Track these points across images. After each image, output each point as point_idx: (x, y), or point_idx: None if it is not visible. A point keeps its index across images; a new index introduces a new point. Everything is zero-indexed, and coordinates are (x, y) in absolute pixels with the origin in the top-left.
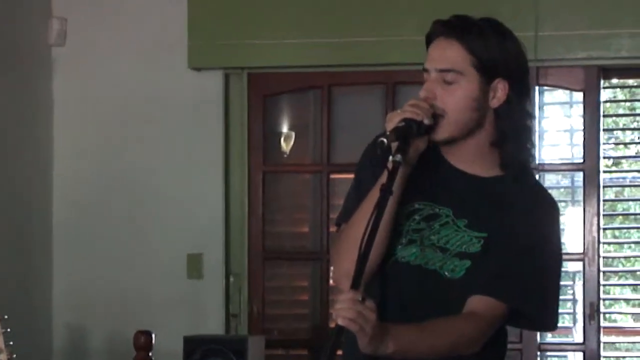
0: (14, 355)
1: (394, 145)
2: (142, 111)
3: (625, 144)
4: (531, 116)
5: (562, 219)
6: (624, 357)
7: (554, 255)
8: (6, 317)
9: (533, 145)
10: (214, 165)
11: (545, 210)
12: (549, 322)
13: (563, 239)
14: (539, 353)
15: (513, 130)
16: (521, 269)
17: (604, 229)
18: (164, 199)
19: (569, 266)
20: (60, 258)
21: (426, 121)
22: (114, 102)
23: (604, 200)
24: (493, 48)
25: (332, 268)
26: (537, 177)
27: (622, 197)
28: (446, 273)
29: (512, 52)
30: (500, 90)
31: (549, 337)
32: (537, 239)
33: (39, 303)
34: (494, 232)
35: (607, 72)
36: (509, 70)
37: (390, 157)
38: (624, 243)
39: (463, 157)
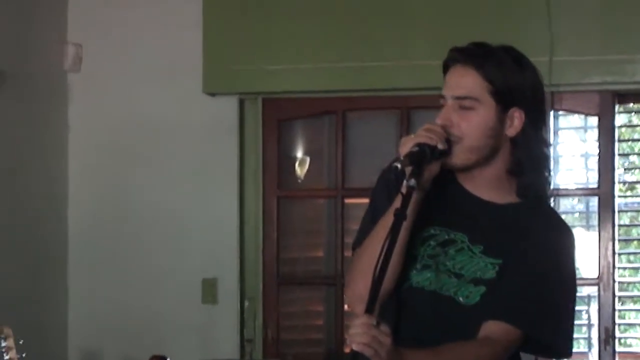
0: None
1: (408, 169)
2: (157, 136)
3: None
4: (548, 144)
5: (576, 244)
6: None
7: (568, 281)
8: (21, 342)
9: (550, 174)
10: (229, 190)
11: (560, 237)
12: (564, 349)
13: (578, 264)
14: None
15: (529, 159)
16: (536, 295)
17: (619, 254)
18: (178, 223)
19: (584, 291)
20: (76, 283)
21: (440, 146)
22: (129, 127)
23: (619, 225)
24: (510, 76)
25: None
26: (552, 202)
27: (637, 222)
28: (461, 299)
29: (529, 81)
30: (516, 119)
31: None
32: (552, 266)
33: (54, 327)
34: (509, 259)
35: (622, 96)
36: (525, 99)
37: (404, 182)
38: (638, 268)
39: (479, 184)
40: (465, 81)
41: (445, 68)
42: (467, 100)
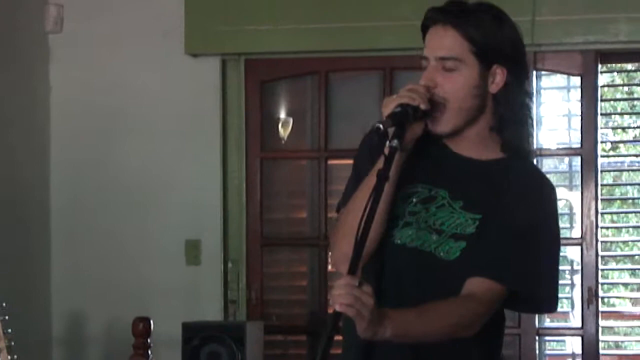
0: (13, 343)
1: (391, 130)
2: (139, 97)
3: (623, 129)
4: (530, 99)
5: (559, 203)
6: (622, 341)
7: (551, 237)
8: (4, 304)
9: (533, 128)
10: (212, 152)
11: (542, 193)
12: (549, 303)
13: (561, 224)
14: (537, 338)
15: (512, 114)
16: (518, 250)
17: (602, 214)
18: (161, 185)
19: (567, 251)
20: (58, 245)
21: (422, 106)
22: (111, 88)
23: (601, 185)
24: (490, 34)
25: (330, 253)
26: (535, 161)
27: (620, 182)
28: (441, 254)
29: (509, 37)
30: (498, 76)
31: (547, 322)
32: (534, 221)
33: (38, 290)
34: (489, 214)
35: (605, 56)
36: (506, 55)
37: (387, 143)
38: (622, 227)
39: (463, 142)
40: (447, 42)
41: (424, 28)
42: (450, 60)
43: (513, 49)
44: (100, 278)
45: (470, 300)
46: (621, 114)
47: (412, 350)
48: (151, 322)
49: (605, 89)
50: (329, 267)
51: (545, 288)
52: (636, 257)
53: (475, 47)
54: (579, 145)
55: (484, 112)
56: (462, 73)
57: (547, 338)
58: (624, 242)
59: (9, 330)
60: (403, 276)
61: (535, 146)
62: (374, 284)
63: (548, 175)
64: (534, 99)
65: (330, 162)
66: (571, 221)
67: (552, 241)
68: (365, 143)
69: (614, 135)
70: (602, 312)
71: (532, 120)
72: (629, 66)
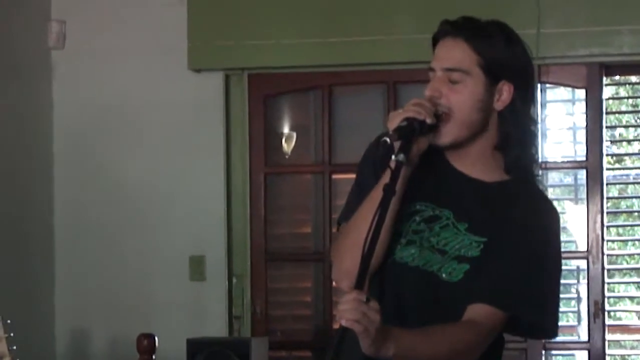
0: None
1: (397, 144)
2: (142, 113)
3: (628, 141)
4: (535, 122)
5: (565, 217)
6: (629, 355)
7: (554, 262)
8: (9, 321)
9: (537, 151)
10: (215, 167)
11: (545, 217)
12: (550, 329)
13: (567, 237)
14: (543, 352)
15: (517, 133)
16: (521, 277)
17: (608, 227)
18: (165, 201)
19: (573, 264)
20: (62, 261)
21: (429, 120)
22: (114, 104)
23: (607, 198)
24: (499, 50)
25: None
26: (540, 174)
27: (625, 195)
28: (444, 275)
29: (518, 55)
30: (505, 92)
31: None
32: (538, 247)
33: (41, 307)
34: (493, 238)
35: (609, 69)
36: (514, 73)
37: (393, 157)
38: (627, 240)
39: (466, 160)
40: (455, 53)
41: (435, 41)
42: (457, 72)
43: (522, 68)
44: (104, 295)
45: (472, 326)
46: (626, 126)
47: None
48: (156, 338)
49: (610, 101)
50: (334, 282)
51: (546, 316)
52: None
53: (483, 61)
54: (584, 159)
55: (487, 128)
56: (468, 85)
57: (553, 352)
58: (630, 255)
59: (14, 348)
60: (404, 295)
61: (539, 167)
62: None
63: (553, 189)
64: (539, 112)
65: (334, 176)
66: (576, 234)
67: (555, 268)
68: (368, 156)
69: (618, 148)
70: (609, 325)
71: (536, 137)
72: (633, 78)
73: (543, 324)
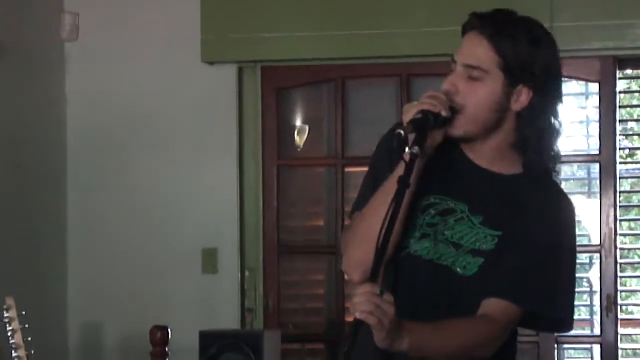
0: (33, 352)
1: (411, 137)
2: (155, 105)
3: None
4: (558, 119)
5: (578, 211)
6: None
7: (569, 257)
8: (24, 313)
9: (557, 151)
10: (228, 160)
11: (561, 211)
12: (565, 324)
13: (580, 231)
14: (556, 346)
15: (535, 135)
16: (537, 272)
17: (621, 221)
18: (178, 194)
19: (586, 258)
20: (75, 254)
21: (444, 113)
22: (127, 96)
23: (620, 192)
24: (523, 54)
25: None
26: (558, 170)
27: (638, 189)
28: (459, 269)
29: (542, 59)
30: (524, 95)
31: None
32: (553, 241)
33: (55, 300)
34: (509, 232)
35: (622, 62)
36: (535, 77)
37: (407, 149)
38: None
39: (483, 153)
40: (478, 51)
41: (464, 31)
42: (476, 70)
43: (545, 72)
44: (117, 287)
45: (487, 321)
46: (638, 120)
47: None
48: (169, 330)
49: (622, 95)
50: (344, 273)
51: (562, 311)
52: None
53: (504, 63)
54: (597, 152)
55: (503, 127)
56: (486, 85)
57: (566, 346)
58: None
59: (29, 339)
60: (418, 288)
61: (557, 163)
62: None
63: (566, 183)
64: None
65: (347, 169)
66: (589, 228)
67: (570, 263)
68: (383, 146)
69: (631, 142)
70: (621, 320)
71: (558, 136)
72: None
73: (558, 318)
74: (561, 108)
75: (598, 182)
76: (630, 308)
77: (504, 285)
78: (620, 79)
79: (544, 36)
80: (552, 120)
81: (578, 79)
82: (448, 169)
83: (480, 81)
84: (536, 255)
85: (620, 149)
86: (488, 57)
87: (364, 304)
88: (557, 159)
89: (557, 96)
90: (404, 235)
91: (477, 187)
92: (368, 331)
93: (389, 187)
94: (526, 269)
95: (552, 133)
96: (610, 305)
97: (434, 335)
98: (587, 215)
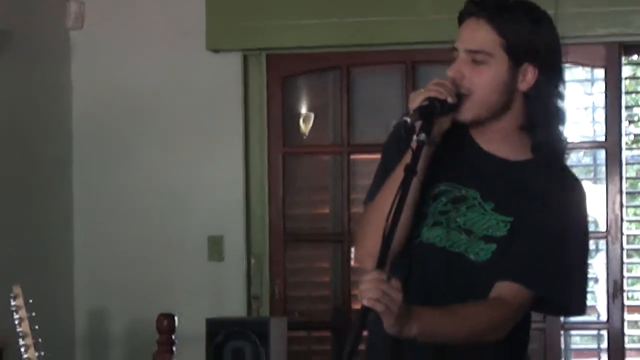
0: (40, 339)
1: (418, 124)
2: (160, 94)
3: None
4: (563, 102)
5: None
6: None
7: (581, 240)
8: (30, 301)
9: (564, 131)
10: (234, 148)
11: (572, 195)
12: (576, 307)
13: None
14: (562, 332)
15: (542, 114)
16: (549, 255)
17: (627, 207)
18: (184, 181)
19: (592, 244)
20: (81, 242)
21: (450, 100)
22: (133, 84)
23: (626, 178)
24: (524, 32)
25: (353, 248)
26: (568, 153)
27: None
28: (471, 256)
29: (544, 37)
30: (529, 74)
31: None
32: (565, 225)
33: (61, 288)
34: (520, 217)
35: (627, 48)
36: (539, 55)
37: (414, 137)
38: None
39: (492, 139)
40: (479, 35)
41: (460, 20)
42: (480, 54)
43: (547, 50)
44: (123, 275)
45: (498, 304)
46: None
47: (436, 350)
48: (175, 318)
49: (627, 81)
50: (352, 262)
51: (574, 293)
52: None
53: (507, 43)
54: (603, 139)
55: (511, 108)
56: (491, 67)
57: (572, 332)
58: None
59: (36, 327)
60: (431, 276)
61: (566, 147)
62: (400, 280)
63: (572, 169)
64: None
65: (352, 156)
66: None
67: (582, 246)
68: (393, 135)
69: (637, 127)
70: (628, 306)
71: (565, 118)
72: None
73: (569, 301)
74: (565, 90)
75: (604, 168)
76: (636, 294)
77: (515, 269)
78: (625, 64)
79: (543, 16)
80: (558, 100)
81: (583, 65)
82: (458, 156)
83: (485, 64)
84: (547, 239)
85: (625, 135)
86: (490, 39)
87: (370, 290)
88: (565, 141)
89: (561, 76)
90: (415, 224)
91: (487, 173)
92: (377, 317)
93: (397, 176)
94: (537, 252)
95: (559, 113)
96: (616, 291)
97: (444, 319)
98: (593, 202)
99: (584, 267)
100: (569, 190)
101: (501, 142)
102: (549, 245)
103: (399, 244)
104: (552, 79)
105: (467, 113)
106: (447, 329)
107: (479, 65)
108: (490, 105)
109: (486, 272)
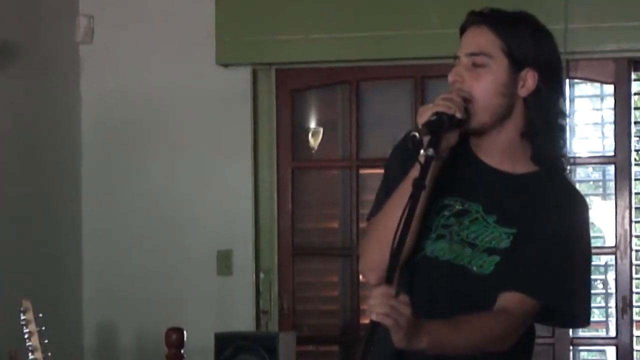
0: (50, 354)
1: (426, 139)
2: (170, 108)
3: None
4: (564, 114)
5: (593, 212)
6: None
7: (584, 251)
8: (40, 315)
9: (565, 143)
10: (243, 162)
11: (575, 207)
12: (581, 319)
13: (595, 233)
14: (571, 347)
15: (543, 121)
16: (552, 265)
17: (636, 222)
18: (193, 195)
19: (601, 260)
20: (90, 256)
21: (458, 115)
22: (142, 98)
23: (635, 194)
24: (524, 37)
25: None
26: (569, 170)
27: None
28: (475, 268)
29: (544, 45)
30: (529, 79)
31: (582, 332)
32: (568, 237)
33: (70, 302)
34: (523, 229)
35: (637, 64)
36: (539, 61)
37: (422, 151)
38: None
39: (493, 152)
40: (479, 39)
41: (462, 32)
42: (480, 56)
43: (547, 56)
44: (132, 289)
45: (504, 315)
46: None
47: None
48: (184, 332)
49: (637, 97)
50: (361, 276)
51: (578, 304)
52: None
53: (507, 47)
54: (612, 154)
55: (512, 115)
56: (491, 70)
57: (581, 348)
58: None
59: (46, 341)
60: (435, 289)
61: (568, 155)
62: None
63: (581, 184)
64: (568, 110)
65: (361, 171)
66: (604, 230)
67: (585, 256)
68: (396, 152)
69: None
70: (637, 321)
71: (565, 130)
72: None
73: (574, 311)
74: (565, 103)
75: (613, 183)
76: None
77: (519, 278)
78: (634, 80)
79: (542, 26)
80: (559, 107)
81: (593, 80)
82: (461, 171)
83: (485, 67)
84: (551, 250)
85: (635, 150)
86: (490, 41)
87: (379, 305)
88: (565, 150)
89: (561, 84)
90: (419, 238)
91: (490, 187)
92: (385, 332)
93: (404, 190)
94: (541, 262)
95: (559, 122)
96: (625, 306)
97: (452, 331)
98: (602, 217)
99: (587, 278)
100: (572, 202)
101: (502, 155)
102: (552, 255)
103: (404, 258)
104: (552, 85)
105: (472, 122)
106: (456, 340)
107: (479, 69)
108: (493, 111)
109: (490, 284)
